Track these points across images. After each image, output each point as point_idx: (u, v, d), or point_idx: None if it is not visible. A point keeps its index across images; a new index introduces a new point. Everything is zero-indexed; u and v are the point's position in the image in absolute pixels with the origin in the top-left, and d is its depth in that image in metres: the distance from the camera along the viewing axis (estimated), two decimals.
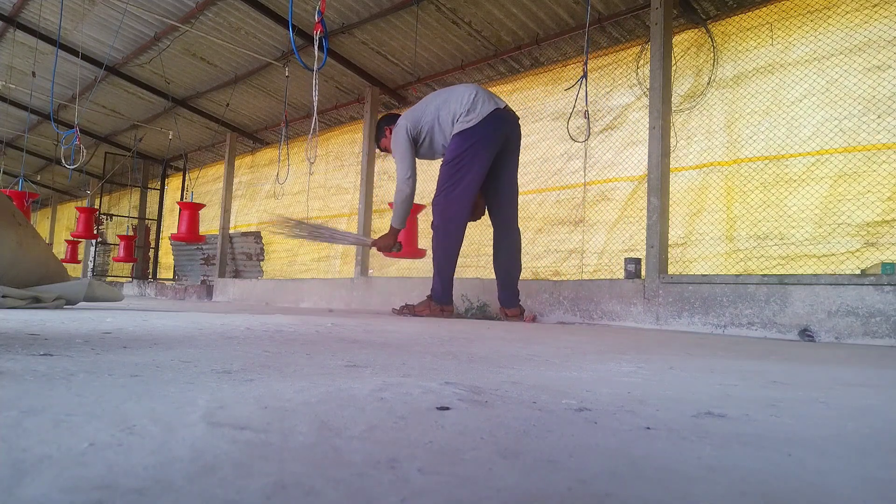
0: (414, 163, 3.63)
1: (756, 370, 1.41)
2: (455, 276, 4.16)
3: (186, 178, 9.34)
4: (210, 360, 1.13)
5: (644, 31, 4.40)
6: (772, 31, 3.84)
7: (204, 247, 9.02)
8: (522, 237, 3.80)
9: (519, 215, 3.80)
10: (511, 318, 3.70)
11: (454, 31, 5.10)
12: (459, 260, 3.72)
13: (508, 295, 3.71)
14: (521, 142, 3.71)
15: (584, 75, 3.67)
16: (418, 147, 3.68)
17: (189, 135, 8.58)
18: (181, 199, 8.76)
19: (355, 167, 6.78)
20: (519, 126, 3.62)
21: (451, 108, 3.50)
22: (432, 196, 3.55)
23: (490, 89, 5.56)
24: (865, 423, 0.80)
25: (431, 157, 3.76)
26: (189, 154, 9.24)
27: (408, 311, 3.75)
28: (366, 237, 4.00)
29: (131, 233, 10.13)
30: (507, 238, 3.69)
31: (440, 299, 3.62)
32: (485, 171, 3.44)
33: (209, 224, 8.77)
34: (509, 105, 3.60)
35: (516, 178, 3.66)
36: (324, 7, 3.36)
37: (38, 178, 11.96)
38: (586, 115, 3.70)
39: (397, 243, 3.81)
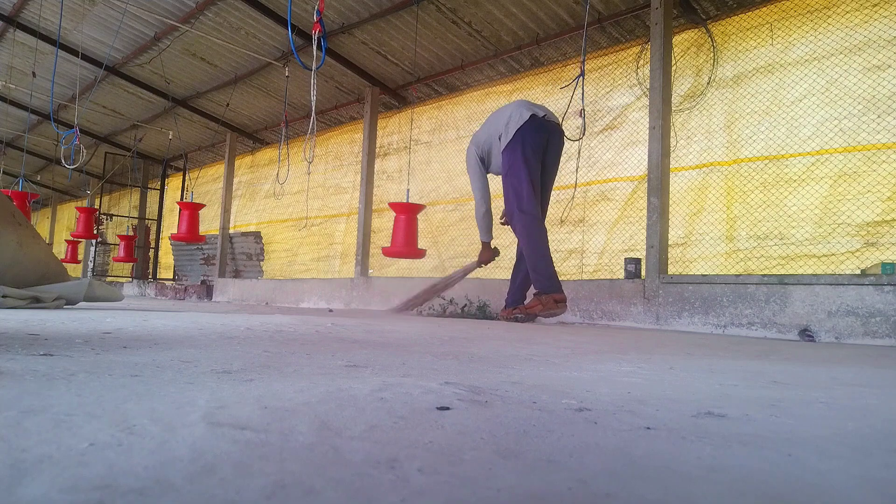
0: (483, 182, 3.83)
1: (756, 370, 1.41)
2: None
3: (186, 178, 9.34)
4: (210, 360, 1.13)
5: (644, 31, 4.40)
6: (772, 31, 3.84)
7: (204, 247, 9.01)
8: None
9: None
10: (507, 318, 3.71)
11: (454, 31, 5.09)
12: (458, 259, 3.74)
13: (521, 298, 3.76)
14: None
15: (582, 73, 3.67)
16: (487, 165, 3.87)
17: (189, 135, 8.58)
18: (181, 199, 8.76)
19: (355, 167, 6.78)
20: (560, 135, 3.70)
21: (497, 128, 3.70)
22: (427, 195, 3.56)
23: (490, 89, 5.58)
24: (865, 423, 0.80)
25: (499, 171, 3.87)
26: (189, 154, 9.24)
27: (521, 312, 3.65)
28: (471, 264, 4.09)
29: (131, 233, 10.12)
30: None
31: (548, 288, 3.49)
32: (534, 171, 3.57)
33: (209, 224, 8.77)
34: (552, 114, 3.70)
35: (552, 185, 3.75)
36: (322, 7, 3.36)
37: (38, 178, 11.96)
38: (582, 113, 3.70)
39: (494, 249, 3.97)
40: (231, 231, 8.44)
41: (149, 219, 10.49)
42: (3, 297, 2.61)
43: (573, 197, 4.23)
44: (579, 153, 4.00)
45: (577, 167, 3.96)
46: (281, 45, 5.97)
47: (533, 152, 3.52)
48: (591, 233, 4.61)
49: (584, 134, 3.85)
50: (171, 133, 8.33)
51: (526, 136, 3.50)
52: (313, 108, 3.73)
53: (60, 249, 12.14)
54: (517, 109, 3.62)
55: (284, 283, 7.00)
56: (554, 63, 5.08)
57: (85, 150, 6.18)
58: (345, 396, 0.80)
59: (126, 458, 0.48)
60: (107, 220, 10.47)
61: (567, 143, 3.76)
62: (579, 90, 3.63)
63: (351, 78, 6.10)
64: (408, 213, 4.79)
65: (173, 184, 10.17)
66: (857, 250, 3.31)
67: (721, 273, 3.71)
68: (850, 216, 3.35)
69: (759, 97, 3.84)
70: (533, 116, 3.52)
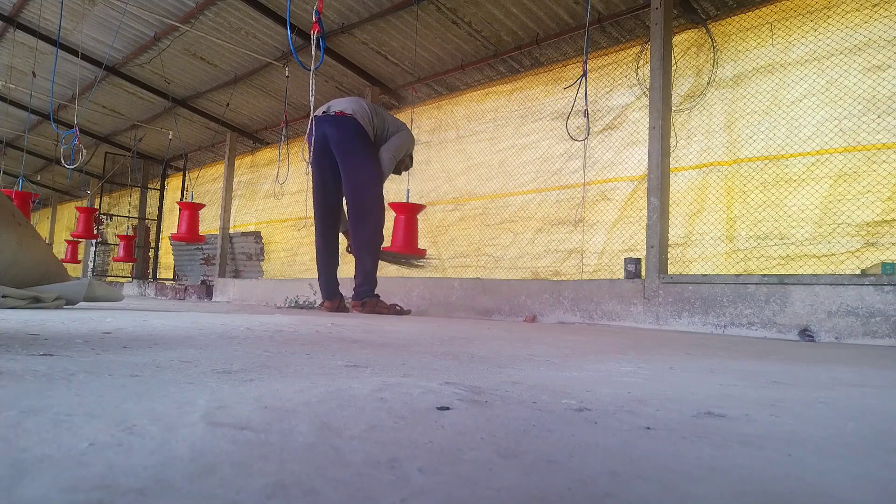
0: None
1: (756, 370, 1.41)
2: (454, 275, 4.17)
3: (186, 178, 9.33)
4: (210, 360, 1.13)
5: (644, 31, 4.40)
6: (772, 31, 3.84)
7: (204, 247, 9.01)
8: (522, 237, 3.81)
9: (519, 215, 3.81)
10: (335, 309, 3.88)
11: (454, 31, 5.09)
12: (458, 259, 3.78)
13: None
14: (522, 140, 3.73)
15: (584, 74, 3.67)
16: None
17: (189, 135, 8.57)
18: (181, 199, 8.76)
19: None
20: (339, 123, 3.68)
21: None
22: (426, 195, 3.62)
23: (490, 89, 5.58)
24: (865, 423, 0.80)
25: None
26: (189, 154, 9.23)
27: (389, 310, 3.96)
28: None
29: (131, 233, 10.12)
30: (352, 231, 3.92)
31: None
32: (316, 174, 3.75)
33: (209, 224, 8.77)
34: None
35: (353, 176, 3.74)
36: (321, 7, 3.36)
37: (38, 178, 11.95)
38: (586, 113, 3.70)
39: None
40: (231, 231, 8.44)
41: (149, 219, 10.48)
42: (3, 297, 2.60)
43: (583, 196, 4.23)
44: (585, 154, 4.00)
45: (585, 166, 3.97)
46: (281, 45, 5.97)
47: (316, 150, 3.67)
48: (591, 233, 4.61)
49: (588, 134, 3.85)
50: (171, 133, 8.33)
51: (310, 137, 3.64)
52: (312, 109, 3.73)
53: (60, 249, 12.13)
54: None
55: (284, 283, 7.00)
56: (554, 63, 5.08)
57: (85, 150, 6.17)
58: (345, 396, 0.80)
59: (126, 458, 0.48)
60: (107, 220, 10.46)
61: (569, 144, 3.76)
62: (581, 90, 3.63)
63: (351, 78, 6.10)
64: (408, 212, 4.79)
65: (173, 184, 10.16)
66: (857, 250, 3.31)
67: (721, 273, 3.71)
68: (850, 216, 3.35)
69: (759, 97, 3.84)
70: (316, 117, 3.65)
